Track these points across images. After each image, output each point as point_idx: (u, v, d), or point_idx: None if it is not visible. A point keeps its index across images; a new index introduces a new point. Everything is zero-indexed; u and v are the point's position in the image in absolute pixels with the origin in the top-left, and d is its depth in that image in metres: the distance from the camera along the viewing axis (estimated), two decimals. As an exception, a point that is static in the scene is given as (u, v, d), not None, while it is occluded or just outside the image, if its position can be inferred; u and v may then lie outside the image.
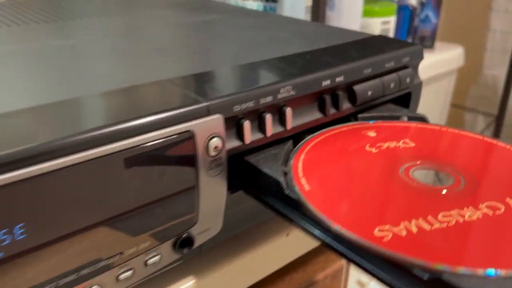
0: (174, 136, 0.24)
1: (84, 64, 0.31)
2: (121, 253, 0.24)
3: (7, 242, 0.20)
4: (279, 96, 0.28)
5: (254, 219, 0.32)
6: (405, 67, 0.37)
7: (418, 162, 0.28)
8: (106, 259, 0.23)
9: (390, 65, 0.35)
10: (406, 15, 1.05)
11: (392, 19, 0.99)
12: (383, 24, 0.97)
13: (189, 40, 0.39)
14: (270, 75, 0.30)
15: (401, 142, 0.31)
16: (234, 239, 0.33)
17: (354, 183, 0.26)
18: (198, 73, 0.29)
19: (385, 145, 0.30)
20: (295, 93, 0.29)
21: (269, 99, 0.28)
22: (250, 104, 0.27)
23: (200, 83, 0.28)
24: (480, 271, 0.19)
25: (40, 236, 0.21)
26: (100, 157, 0.21)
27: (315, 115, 0.31)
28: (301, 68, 0.31)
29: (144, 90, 0.27)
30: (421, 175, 0.27)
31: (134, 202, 0.23)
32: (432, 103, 1.17)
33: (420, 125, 0.34)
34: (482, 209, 0.23)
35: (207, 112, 0.25)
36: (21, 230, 0.20)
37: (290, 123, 0.30)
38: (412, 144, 0.31)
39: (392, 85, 0.36)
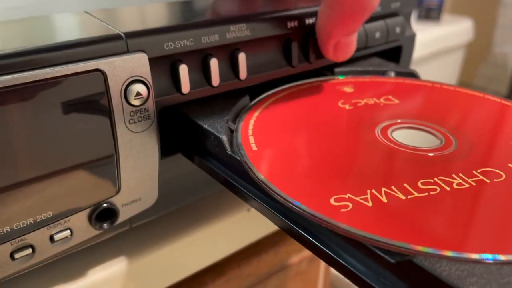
0: (79, 76, 0.18)
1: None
2: (10, 225, 0.19)
3: None
4: (229, 35, 0.23)
5: (205, 189, 0.26)
6: (394, 14, 0.31)
7: (399, 121, 0.23)
8: (-13, 232, 0.18)
9: (376, 9, 0.29)
10: (410, -17, 0.97)
11: (396, -13, 0.92)
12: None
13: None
14: (219, 12, 0.24)
15: (382, 98, 0.25)
16: (177, 213, 0.27)
17: (314, 145, 0.21)
18: (125, 7, 0.24)
19: (363, 101, 0.25)
20: (250, 33, 0.24)
21: (214, 38, 0.22)
22: (188, 43, 0.21)
23: (126, 16, 0.22)
24: (473, 256, 0.14)
25: None
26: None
27: (278, 65, 0.26)
28: (262, 6, 0.25)
29: (49, 20, 0.21)
30: (402, 135, 0.22)
31: (27, 158, 0.18)
32: (438, 80, 1.10)
33: (408, 80, 0.28)
34: (477, 176, 0.18)
35: (126, 48, 0.20)
36: None
37: (244, 71, 0.24)
38: (396, 101, 0.25)
39: (377, 34, 0.30)
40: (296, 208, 0.16)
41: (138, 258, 0.25)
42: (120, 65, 0.19)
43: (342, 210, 0.16)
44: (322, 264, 0.41)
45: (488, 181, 0.18)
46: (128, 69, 0.20)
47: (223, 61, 0.23)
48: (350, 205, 0.16)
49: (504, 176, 0.18)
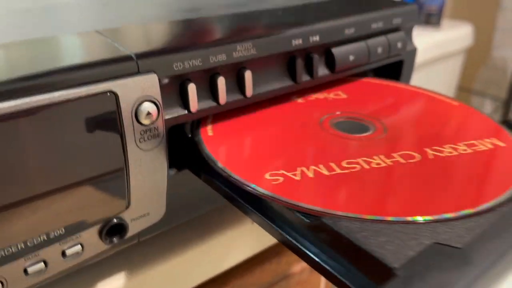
0: (92, 98, 0.19)
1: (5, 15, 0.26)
2: (25, 242, 0.19)
3: None
4: (236, 55, 0.23)
5: (211, 203, 0.27)
6: (396, 29, 0.32)
7: (338, 113, 0.26)
8: (4, 248, 0.19)
9: (377, 25, 0.30)
10: (411, -11, 0.98)
11: (396, -7, 0.93)
12: (386, -2, 0.91)
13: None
14: (226, 31, 0.24)
15: (332, 94, 0.29)
16: (184, 226, 0.28)
17: (263, 132, 0.24)
18: (136, 25, 0.24)
19: (314, 96, 0.29)
20: (256, 52, 0.24)
21: (222, 57, 0.23)
22: (197, 63, 0.22)
23: (135, 35, 0.23)
24: (369, 217, 0.17)
25: None
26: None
27: (284, 82, 0.26)
28: (267, 24, 0.26)
29: (61, 41, 0.22)
30: (342, 125, 0.25)
31: (42, 177, 0.19)
32: (437, 85, 1.11)
33: (364, 79, 0.31)
34: (395, 157, 0.22)
35: (137, 69, 0.20)
36: None
37: (250, 89, 0.25)
38: (344, 96, 0.29)
39: (379, 49, 0.31)
40: (232, 178, 0.20)
41: (145, 271, 0.25)
42: (132, 86, 0.20)
43: (273, 182, 0.20)
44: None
45: (403, 161, 0.22)
46: (139, 90, 0.20)
47: (229, 79, 0.24)
48: (281, 179, 0.20)
49: (417, 157, 0.22)
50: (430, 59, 0.99)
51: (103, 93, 0.19)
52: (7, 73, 0.17)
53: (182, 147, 0.24)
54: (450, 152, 0.22)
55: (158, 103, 0.21)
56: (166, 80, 0.21)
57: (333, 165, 0.21)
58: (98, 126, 0.19)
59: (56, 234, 0.20)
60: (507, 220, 0.17)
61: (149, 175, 0.22)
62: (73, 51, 0.21)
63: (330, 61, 0.28)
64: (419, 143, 0.23)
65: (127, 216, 0.22)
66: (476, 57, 1.31)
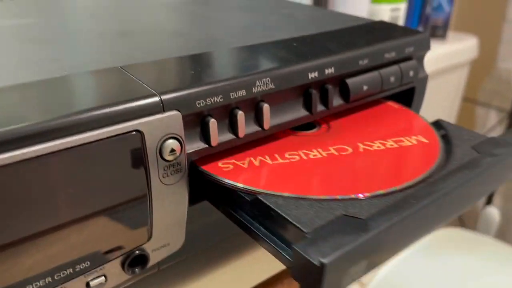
0: (118, 137, 0.20)
1: (19, 48, 0.27)
2: (52, 276, 0.20)
3: None
4: (255, 90, 0.24)
5: (226, 231, 0.28)
6: (408, 58, 0.32)
7: None
8: (31, 283, 0.19)
9: (390, 55, 0.31)
10: (417, 2, 0.99)
11: (402, 6, 0.93)
12: (393, 11, 0.91)
13: (164, 22, 0.34)
14: (244, 65, 0.25)
15: None
16: (200, 254, 0.29)
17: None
18: (156, 60, 0.25)
19: None
20: (274, 86, 0.25)
21: (241, 93, 0.24)
22: (218, 99, 0.23)
23: (158, 71, 0.24)
24: (292, 194, 0.22)
25: None
26: (26, 160, 0.17)
27: (299, 113, 0.27)
28: (284, 57, 0.26)
29: (84, 79, 0.22)
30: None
31: (69, 213, 0.19)
32: (442, 96, 1.12)
33: None
34: (331, 150, 0.26)
35: (161, 108, 0.21)
36: None
37: (268, 122, 0.25)
38: None
39: (392, 79, 0.31)
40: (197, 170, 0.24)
41: (164, 298, 0.26)
42: (157, 124, 0.21)
43: (224, 169, 0.24)
44: None
45: (337, 153, 0.26)
46: (163, 128, 0.21)
47: (248, 113, 0.25)
48: (231, 166, 0.24)
49: (349, 150, 0.26)
50: (435, 71, 1.00)
51: (129, 132, 0.20)
52: (37, 117, 0.18)
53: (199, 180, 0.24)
54: (378, 147, 0.27)
55: (181, 139, 0.22)
56: (188, 117, 0.22)
57: (277, 155, 0.25)
58: (124, 163, 0.20)
59: (81, 267, 0.21)
60: (407, 200, 0.20)
61: (170, 208, 0.23)
62: (99, 90, 0.22)
63: (344, 92, 0.29)
64: (354, 139, 0.27)
65: (148, 247, 0.23)
66: (481, 69, 1.32)
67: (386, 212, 0.20)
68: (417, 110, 0.36)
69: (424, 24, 1.05)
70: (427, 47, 0.33)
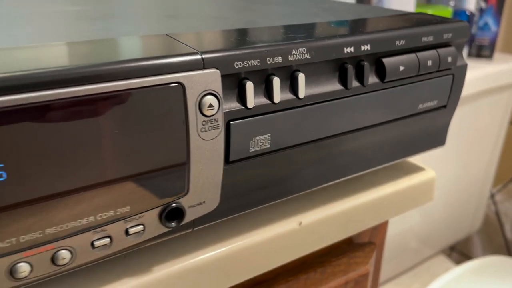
0: (161, 86, 0.21)
1: (95, 21, 0.29)
2: (94, 215, 0.21)
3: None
4: (291, 58, 0.25)
5: (260, 201, 0.28)
6: (446, 44, 0.33)
7: None
8: (76, 220, 0.21)
9: (428, 39, 0.31)
10: (462, 19, 0.98)
11: (447, 25, 0.93)
12: (436, 29, 0.91)
13: (205, 10, 0.36)
14: (282, 37, 0.26)
15: None
16: (234, 220, 0.29)
17: None
18: (199, 31, 0.27)
19: None
20: (310, 56, 0.26)
21: (278, 59, 0.25)
22: (255, 63, 0.24)
23: (201, 38, 0.25)
24: None
25: (18, 184, 0.18)
26: (78, 97, 0.19)
27: (334, 86, 0.28)
28: (320, 33, 0.28)
29: (138, 40, 0.24)
30: None
31: (111, 155, 0.21)
32: (488, 119, 1.08)
33: None
34: None
35: (202, 65, 0.22)
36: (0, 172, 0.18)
37: (303, 90, 0.26)
38: None
39: (429, 62, 0.31)
40: None
41: (197, 258, 0.26)
42: (197, 79, 0.22)
43: None
44: (369, 284, 0.41)
45: None
46: (203, 83, 0.22)
47: (284, 81, 0.26)
48: None
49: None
50: (481, 92, 0.97)
51: (173, 83, 0.21)
52: (96, 59, 0.20)
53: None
54: None
55: (219, 96, 0.23)
56: (227, 78, 0.23)
57: None
58: (166, 113, 0.21)
59: (122, 212, 0.22)
60: None
61: (207, 164, 0.24)
62: (149, 48, 0.23)
63: (380, 71, 0.29)
64: None
65: (185, 202, 0.24)
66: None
67: None
68: (456, 101, 0.35)
69: (469, 44, 1.03)
70: (465, 35, 0.34)
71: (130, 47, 0.23)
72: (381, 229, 0.42)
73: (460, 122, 0.97)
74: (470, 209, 1.19)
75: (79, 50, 0.22)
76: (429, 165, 0.38)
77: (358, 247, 0.40)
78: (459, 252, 1.32)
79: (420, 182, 0.37)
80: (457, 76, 0.34)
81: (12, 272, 0.20)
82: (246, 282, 0.34)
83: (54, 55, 0.21)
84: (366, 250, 0.40)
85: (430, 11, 0.90)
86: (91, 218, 0.21)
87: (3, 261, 0.20)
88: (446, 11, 0.91)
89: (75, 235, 0.21)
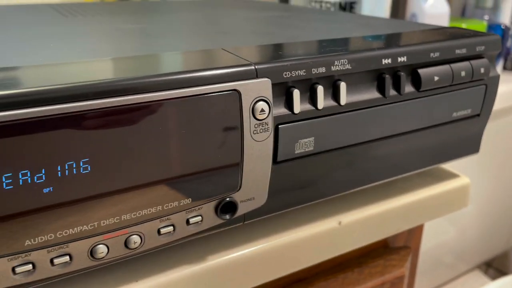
0: (220, 94, 0.24)
1: (155, 38, 0.33)
2: (162, 205, 0.24)
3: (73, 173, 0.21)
4: (333, 68, 0.28)
5: (303, 199, 0.31)
6: (479, 56, 0.35)
7: None
8: (146, 208, 0.24)
9: (461, 52, 0.33)
10: (497, 33, 0.98)
11: (481, 38, 0.93)
12: (471, 43, 0.91)
13: (253, 27, 0.39)
14: (326, 50, 0.29)
15: None
16: (280, 216, 0.32)
17: None
18: (252, 45, 0.30)
19: None
20: (350, 67, 0.28)
21: (321, 70, 0.27)
22: (301, 73, 0.27)
23: (253, 51, 0.28)
24: None
25: (100, 174, 0.22)
26: (151, 102, 0.22)
27: (373, 94, 0.30)
28: (360, 46, 0.30)
29: (198, 54, 0.27)
30: None
31: (176, 154, 0.24)
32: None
33: None
34: None
35: (255, 74, 0.25)
36: (85, 165, 0.22)
37: (344, 98, 0.29)
38: None
39: (463, 73, 0.33)
40: None
41: (246, 250, 0.29)
42: (251, 87, 0.25)
43: None
44: (405, 287, 0.42)
45: None
46: (256, 91, 0.25)
47: (327, 89, 0.28)
48: None
49: None
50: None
51: (231, 90, 0.24)
52: (166, 70, 0.23)
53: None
54: None
55: (269, 102, 0.26)
56: (276, 86, 0.26)
57: None
58: (224, 116, 0.24)
59: (184, 203, 0.25)
60: None
61: (257, 163, 0.26)
62: (209, 60, 0.27)
63: (416, 81, 0.32)
64: None
65: (237, 197, 0.27)
66: None
67: None
68: (489, 110, 0.37)
69: (504, 58, 1.03)
70: (497, 48, 0.35)
71: (192, 60, 0.27)
72: (416, 234, 0.44)
73: (497, 135, 0.96)
74: (507, 224, 1.17)
75: (150, 62, 0.25)
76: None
77: (394, 251, 0.42)
78: (496, 268, 1.30)
79: (455, 188, 0.39)
80: (490, 86, 0.36)
81: (92, 252, 0.23)
82: (288, 279, 0.36)
83: (132, 66, 0.24)
84: (402, 253, 0.42)
85: (464, 25, 0.91)
86: (159, 208, 0.24)
87: (86, 242, 0.23)
88: (480, 25, 0.92)
89: (145, 222, 0.24)
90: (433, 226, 1.04)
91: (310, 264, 0.33)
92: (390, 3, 0.73)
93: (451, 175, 0.40)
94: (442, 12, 0.86)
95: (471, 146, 0.38)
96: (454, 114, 0.35)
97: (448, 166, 0.41)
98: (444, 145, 0.36)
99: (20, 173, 0.20)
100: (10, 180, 0.20)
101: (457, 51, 0.33)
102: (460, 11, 1.10)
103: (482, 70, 0.34)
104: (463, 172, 0.40)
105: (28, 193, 0.21)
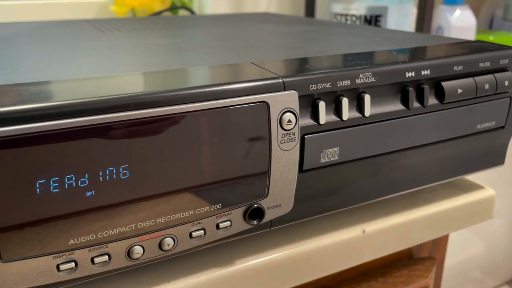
0: (250, 105, 0.26)
1: (189, 52, 0.35)
2: (194, 210, 0.26)
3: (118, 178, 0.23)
4: (358, 81, 0.29)
5: (328, 208, 0.32)
6: (503, 69, 0.35)
7: None
8: (179, 212, 0.25)
9: (485, 65, 0.34)
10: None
11: (510, 50, 0.92)
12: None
13: (281, 41, 0.41)
14: (351, 63, 0.30)
15: None
16: (305, 224, 0.33)
17: None
18: (279, 59, 0.31)
19: None
20: (375, 80, 0.29)
21: (346, 82, 0.28)
22: (327, 85, 0.28)
23: (280, 65, 0.30)
24: None
25: (139, 179, 0.23)
26: (186, 112, 0.24)
27: (397, 106, 0.31)
28: (384, 59, 0.31)
29: (229, 68, 0.29)
30: None
31: (208, 162, 0.25)
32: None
33: None
34: None
35: (283, 87, 0.27)
36: (124, 171, 0.23)
37: (368, 110, 0.30)
38: None
39: (486, 86, 0.34)
40: None
41: (272, 255, 0.30)
42: (279, 99, 0.26)
43: None
44: (428, 300, 0.42)
45: None
46: (283, 102, 0.26)
47: (351, 101, 0.29)
48: None
49: None
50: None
51: (260, 102, 0.26)
52: (199, 83, 0.25)
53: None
54: None
55: (296, 113, 0.27)
56: (303, 98, 0.28)
57: None
58: (253, 126, 0.26)
59: (215, 208, 0.26)
60: None
61: (284, 171, 0.28)
62: (239, 73, 0.28)
63: (440, 93, 0.32)
64: None
65: (265, 204, 0.28)
66: None
67: None
68: (515, 122, 0.37)
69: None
70: (523, 61, 0.36)
71: (224, 73, 0.28)
72: (441, 245, 0.44)
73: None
74: (538, 239, 1.14)
75: (185, 75, 0.27)
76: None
77: (418, 261, 0.42)
78: (527, 285, 1.26)
79: (480, 200, 0.39)
80: (515, 98, 0.36)
81: (129, 252, 0.25)
82: (312, 287, 0.37)
83: (169, 79, 0.26)
84: (426, 264, 0.42)
85: (491, 37, 0.90)
86: (191, 212, 0.26)
87: (124, 243, 0.24)
88: (508, 37, 0.91)
89: (178, 226, 0.26)
90: (462, 241, 1.03)
91: (334, 272, 0.33)
92: (416, 15, 0.73)
93: (476, 187, 0.40)
94: (469, 25, 0.85)
95: (496, 158, 0.38)
96: (478, 126, 0.35)
97: (477, 179, 0.41)
98: (469, 156, 0.36)
99: (66, 178, 0.22)
100: (57, 184, 0.22)
101: (481, 64, 0.34)
102: (488, 23, 1.09)
103: (507, 83, 0.35)
104: (493, 186, 0.41)
105: (73, 196, 0.23)
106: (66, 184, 0.22)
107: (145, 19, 0.60)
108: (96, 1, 0.83)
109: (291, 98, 0.27)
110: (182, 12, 0.83)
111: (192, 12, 0.80)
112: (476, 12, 1.07)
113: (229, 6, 0.85)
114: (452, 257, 1.02)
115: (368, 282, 0.39)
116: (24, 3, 0.79)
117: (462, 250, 1.05)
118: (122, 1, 0.76)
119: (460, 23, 0.85)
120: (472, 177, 0.41)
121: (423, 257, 0.43)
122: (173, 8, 0.79)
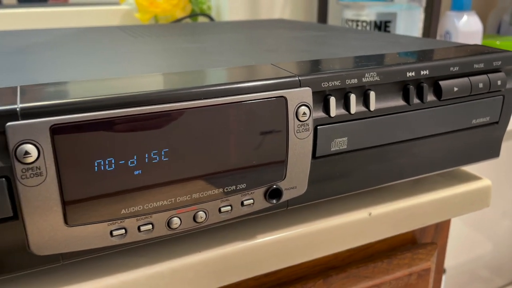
0: (271, 99, 0.30)
1: (215, 55, 0.39)
2: (223, 188, 0.30)
3: (155, 161, 0.27)
4: (364, 80, 0.33)
5: (338, 191, 0.36)
6: (497, 70, 0.39)
7: None
8: (211, 190, 0.30)
9: (479, 66, 0.38)
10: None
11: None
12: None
13: (295, 45, 0.45)
14: (358, 64, 0.35)
15: None
16: (317, 205, 0.37)
17: None
18: (295, 60, 0.36)
19: None
20: (379, 79, 0.34)
21: (354, 81, 0.33)
22: (337, 83, 0.32)
23: (296, 65, 0.34)
24: None
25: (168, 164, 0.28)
26: (217, 105, 0.28)
27: (398, 102, 0.35)
28: (387, 61, 0.35)
29: (252, 68, 0.34)
30: None
31: (237, 148, 0.30)
32: None
33: None
34: None
35: (299, 84, 0.31)
36: (166, 154, 0.28)
37: (373, 104, 0.34)
38: None
39: (480, 85, 0.38)
40: None
41: (288, 232, 0.35)
42: (295, 94, 0.31)
43: None
44: (431, 281, 0.46)
45: None
46: (299, 97, 0.31)
47: (358, 97, 0.34)
48: None
49: None
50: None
51: (279, 97, 0.30)
52: (228, 80, 0.29)
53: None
54: None
55: (310, 107, 0.31)
56: (316, 94, 0.32)
57: None
58: (274, 118, 0.30)
59: (240, 187, 0.31)
60: None
61: (299, 157, 0.32)
62: (261, 73, 0.33)
63: (437, 91, 0.37)
64: None
65: (282, 185, 0.32)
66: None
67: None
68: (507, 118, 0.41)
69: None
70: (514, 62, 0.40)
71: (248, 73, 0.33)
72: (443, 231, 0.48)
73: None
74: (546, 239, 1.16)
75: (216, 74, 0.32)
76: (501, 192, 0.43)
77: (421, 246, 0.46)
78: (536, 285, 1.28)
79: (477, 189, 0.43)
80: (508, 96, 0.40)
81: (169, 223, 0.29)
82: (324, 266, 0.42)
83: (201, 77, 0.31)
84: (428, 248, 0.46)
85: (498, 42, 0.94)
86: (221, 190, 0.30)
87: (165, 215, 0.29)
88: (514, 42, 0.94)
89: (209, 201, 0.30)
90: (470, 240, 1.06)
91: (342, 249, 0.38)
92: (423, 21, 0.77)
93: (474, 178, 0.44)
94: (475, 30, 0.89)
95: (491, 150, 0.42)
96: (474, 121, 0.39)
97: (485, 175, 0.45)
98: (466, 148, 0.40)
99: (118, 158, 0.27)
100: (112, 163, 0.27)
101: (476, 66, 0.38)
102: (496, 28, 1.13)
103: (499, 83, 0.39)
104: (503, 187, 0.44)
105: (124, 174, 0.27)
106: (119, 163, 0.27)
107: (169, 26, 0.65)
108: (121, 8, 0.89)
109: (306, 93, 0.31)
110: (201, 19, 0.88)
111: (211, 18, 0.85)
112: (484, 17, 1.11)
113: (246, 13, 0.90)
114: (461, 256, 1.05)
115: (375, 263, 0.43)
116: (54, 10, 0.85)
117: (471, 249, 1.07)
118: (146, 8, 0.82)
119: (467, 28, 0.89)
120: (472, 170, 0.45)
121: (425, 242, 0.47)
122: (193, 15, 0.84)
